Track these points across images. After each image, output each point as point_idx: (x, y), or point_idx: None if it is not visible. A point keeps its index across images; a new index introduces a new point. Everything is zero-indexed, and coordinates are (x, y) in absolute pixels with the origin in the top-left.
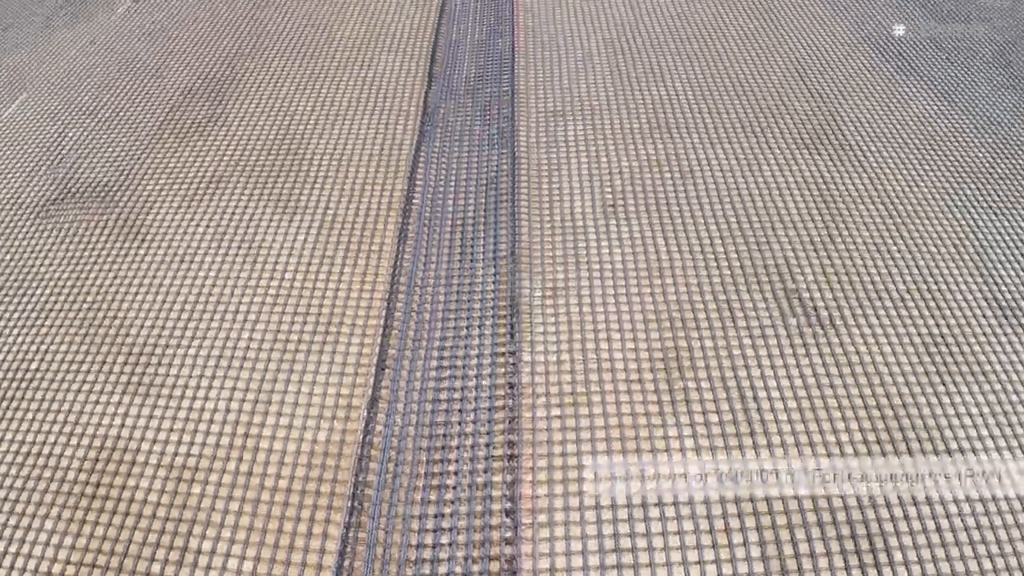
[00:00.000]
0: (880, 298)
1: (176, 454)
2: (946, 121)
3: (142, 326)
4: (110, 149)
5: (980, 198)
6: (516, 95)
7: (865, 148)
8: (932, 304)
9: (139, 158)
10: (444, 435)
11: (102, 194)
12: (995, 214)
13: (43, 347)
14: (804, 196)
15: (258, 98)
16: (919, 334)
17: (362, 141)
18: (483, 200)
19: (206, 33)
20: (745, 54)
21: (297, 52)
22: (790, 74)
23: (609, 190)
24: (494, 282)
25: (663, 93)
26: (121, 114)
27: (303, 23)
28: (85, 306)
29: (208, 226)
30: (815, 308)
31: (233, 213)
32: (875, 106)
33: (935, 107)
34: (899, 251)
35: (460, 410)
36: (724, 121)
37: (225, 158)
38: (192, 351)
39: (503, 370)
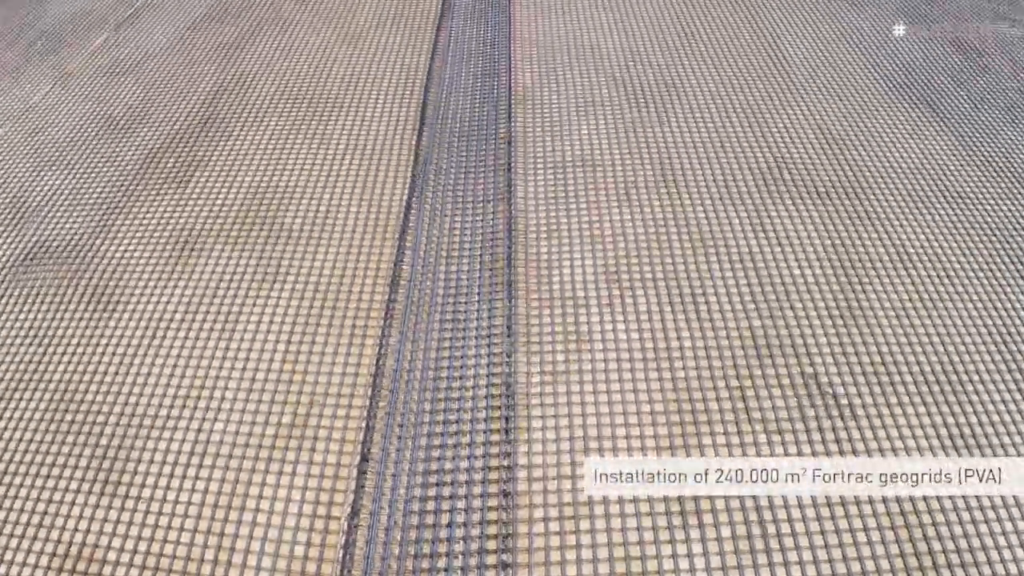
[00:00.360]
0: (904, 382)
1: (144, 567)
2: (970, 169)
3: (111, 412)
4: (84, 202)
5: (1006, 260)
6: (513, 143)
7: (882, 199)
8: (959, 389)
9: (114, 212)
10: (431, 554)
11: (74, 254)
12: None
13: (5, 435)
14: (820, 258)
15: (240, 143)
16: (945, 424)
17: (348, 197)
18: (478, 266)
19: (186, 72)
20: (754, 94)
21: (282, 93)
22: (802, 116)
23: (612, 255)
24: (488, 364)
25: (669, 139)
26: (96, 161)
27: (289, 61)
28: (52, 386)
29: (183, 295)
30: (834, 395)
31: (209, 280)
32: (892, 151)
33: (958, 154)
34: (923, 326)
35: (450, 524)
36: (734, 171)
37: (203, 214)
38: (163, 443)
39: (497, 475)
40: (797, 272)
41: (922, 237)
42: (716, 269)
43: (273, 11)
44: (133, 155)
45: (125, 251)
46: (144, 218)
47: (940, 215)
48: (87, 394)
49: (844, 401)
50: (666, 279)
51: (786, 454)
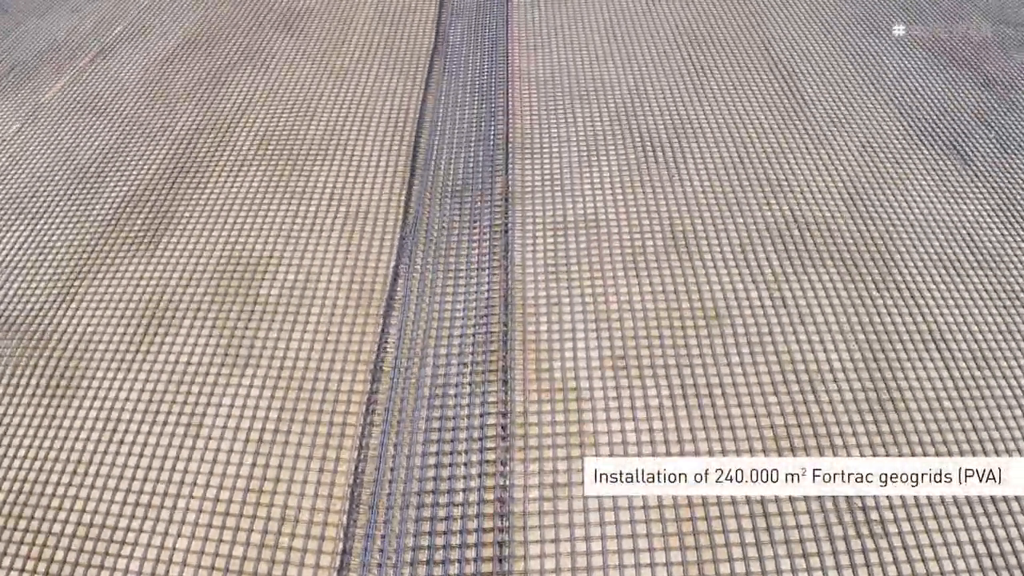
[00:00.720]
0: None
1: None
2: (1002, 225)
3: (66, 521)
4: (48, 264)
5: None
6: (510, 199)
7: (911, 265)
8: (999, 500)
9: (78, 277)
10: None
11: (33, 327)
12: None
13: None
14: (847, 339)
15: (214, 197)
16: (984, 539)
17: (330, 263)
18: (470, 349)
19: (161, 111)
20: (771, 139)
21: (261, 138)
22: (823, 166)
23: (619, 334)
24: (480, 475)
25: (679, 194)
26: (63, 216)
27: (270, 101)
28: (5, 488)
29: (147, 380)
30: (863, 508)
31: (175, 363)
32: (919, 206)
33: (988, 206)
34: (959, 420)
35: None
36: (752, 233)
37: (172, 282)
38: (122, 562)
39: None
40: (822, 356)
41: (955, 311)
42: (734, 352)
43: (254, 41)
44: (102, 208)
45: (88, 325)
46: (109, 285)
47: (973, 282)
48: (41, 497)
49: (875, 516)
50: (678, 364)
51: None
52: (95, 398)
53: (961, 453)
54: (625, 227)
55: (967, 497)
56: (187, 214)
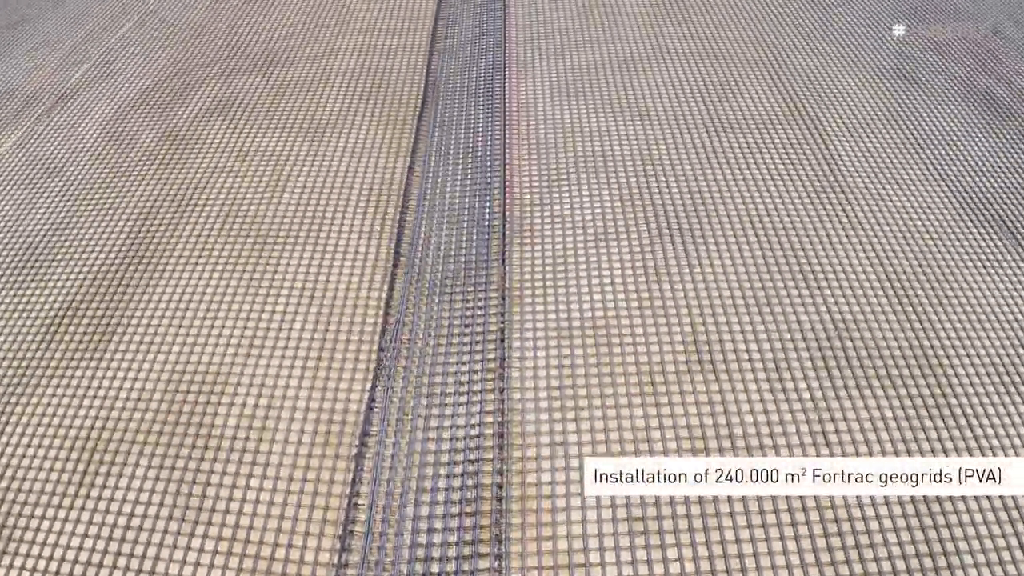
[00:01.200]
0: None
1: None
2: None
3: None
4: None
5: None
6: (508, 296)
7: (965, 381)
8: None
9: (13, 395)
10: None
11: None
12: None
13: None
14: (886, 441)
15: (167, 293)
16: None
17: (295, 386)
18: (457, 508)
19: (117, 181)
20: (804, 221)
21: (225, 216)
22: (862, 253)
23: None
24: None
25: (702, 290)
26: (3, 311)
27: (236, 168)
28: None
29: (85, 537)
30: None
31: (117, 515)
32: (971, 304)
33: None
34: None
35: None
36: (786, 343)
37: (117, 405)
38: None
39: None
40: (870, 512)
41: (1019, 444)
42: (769, 508)
43: (224, 91)
44: (47, 301)
45: (23, 457)
46: (48, 405)
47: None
48: None
49: None
50: (705, 527)
51: None
52: (28, 555)
53: None
54: (640, 337)
55: None
56: (138, 313)
